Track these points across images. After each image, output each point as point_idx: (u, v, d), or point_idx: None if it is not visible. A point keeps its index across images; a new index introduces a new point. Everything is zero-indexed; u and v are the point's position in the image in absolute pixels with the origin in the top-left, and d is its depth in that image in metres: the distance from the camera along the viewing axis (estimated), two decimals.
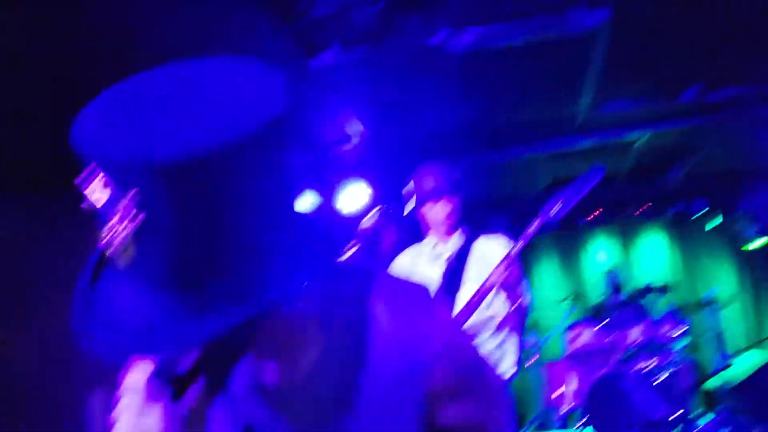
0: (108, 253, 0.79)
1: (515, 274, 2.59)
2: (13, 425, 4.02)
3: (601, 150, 5.57)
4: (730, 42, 3.76)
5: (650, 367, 5.45)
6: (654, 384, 5.11)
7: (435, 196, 2.91)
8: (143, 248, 0.75)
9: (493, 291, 2.62)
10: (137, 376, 0.84)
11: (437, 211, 2.94)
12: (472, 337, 2.54)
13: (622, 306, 6.26)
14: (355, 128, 4.49)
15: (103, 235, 0.78)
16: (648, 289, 6.17)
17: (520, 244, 2.54)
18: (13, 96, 3.56)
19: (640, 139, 5.37)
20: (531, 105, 4.52)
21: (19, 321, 4.14)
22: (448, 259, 2.96)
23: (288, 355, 0.99)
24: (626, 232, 7.97)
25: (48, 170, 4.20)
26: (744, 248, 7.37)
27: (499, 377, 1.30)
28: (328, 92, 3.86)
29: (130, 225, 0.74)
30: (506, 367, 2.86)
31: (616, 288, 6.55)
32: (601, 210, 7.57)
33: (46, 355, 4.14)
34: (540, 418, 6.47)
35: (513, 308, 2.73)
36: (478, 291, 2.58)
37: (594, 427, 5.13)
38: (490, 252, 2.82)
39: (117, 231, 0.75)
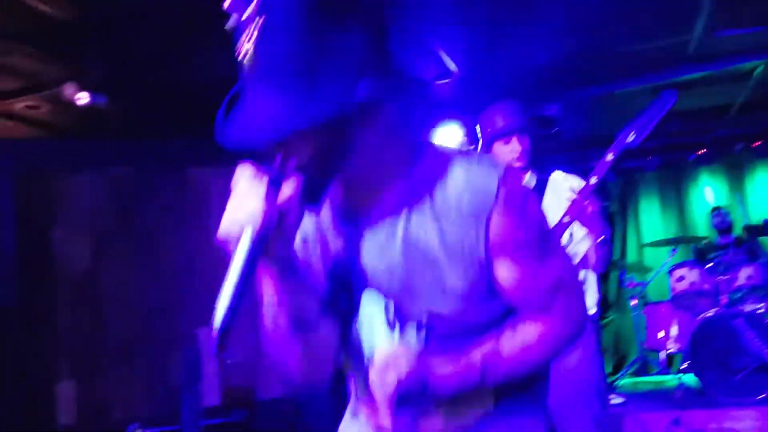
0: (241, 60, 1.01)
1: (592, 210, 2.51)
2: (134, 352, 4.34)
3: (715, 80, 5.34)
4: None
5: (761, 310, 5.31)
6: (764, 327, 4.92)
7: (504, 135, 2.81)
8: (266, 48, 0.99)
9: (570, 228, 2.55)
10: (249, 168, 1.04)
11: (506, 152, 2.83)
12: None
13: (732, 246, 6.12)
14: (450, 67, 4.47)
15: (239, 46, 1.01)
16: (762, 227, 6.00)
17: (596, 177, 2.44)
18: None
19: (758, 68, 5.07)
20: (640, 33, 4.32)
21: (137, 259, 4.43)
22: None
23: (366, 199, 1.19)
24: (737, 169, 7.64)
25: (160, 118, 4.44)
26: None
27: (570, 261, 1.32)
28: (424, 28, 3.84)
29: (255, 29, 0.98)
30: (588, 306, 2.83)
31: (724, 227, 6.43)
32: (708, 147, 7.35)
33: (164, 290, 4.43)
34: (641, 361, 6.45)
35: (592, 246, 2.66)
36: (555, 227, 2.53)
37: (697, 371, 5.07)
38: (566, 190, 2.68)
39: (247, 38, 0.99)
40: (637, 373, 6.56)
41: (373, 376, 1.14)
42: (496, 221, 1.12)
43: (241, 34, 1.00)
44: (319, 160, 1.07)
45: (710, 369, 5.00)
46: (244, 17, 0.98)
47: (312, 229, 1.27)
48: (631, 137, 2.29)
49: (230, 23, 1.02)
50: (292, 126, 0.99)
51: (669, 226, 7.71)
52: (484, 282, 1.16)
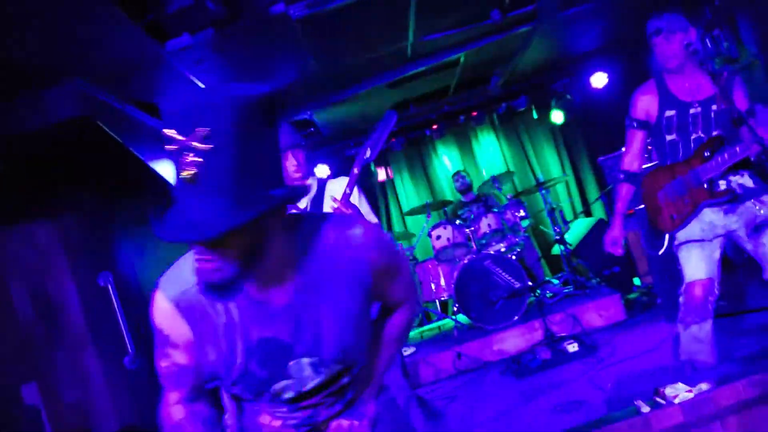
0: (179, 177, 1.24)
1: (355, 209, 2.97)
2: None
3: (431, 72, 6.23)
4: None
5: (502, 248, 6.30)
6: (509, 261, 5.88)
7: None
8: (206, 168, 1.21)
9: None
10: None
11: (286, 167, 3.08)
12: None
13: (473, 203, 7.12)
14: None
15: (181, 166, 1.23)
16: (490, 183, 6.92)
17: (348, 189, 2.89)
18: None
19: (461, 57, 6.04)
20: (367, 48, 5.03)
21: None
22: (305, 207, 3.20)
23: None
24: (464, 137, 8.74)
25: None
26: (553, 123, 8.46)
27: None
28: (191, 66, 4.16)
29: (197, 156, 1.20)
30: None
31: (465, 188, 7.38)
32: (438, 123, 8.31)
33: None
34: (421, 313, 7.20)
35: None
36: None
37: (465, 307, 5.83)
38: (338, 192, 3.09)
39: (187, 161, 1.21)
40: (420, 324, 7.36)
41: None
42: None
43: (180, 155, 1.22)
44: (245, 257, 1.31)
45: (475, 306, 5.80)
46: (182, 142, 1.20)
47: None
48: (368, 153, 2.84)
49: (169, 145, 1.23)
50: (226, 226, 1.21)
51: (422, 194, 8.63)
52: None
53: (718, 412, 2.02)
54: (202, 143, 1.20)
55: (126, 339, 3.91)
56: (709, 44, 5.53)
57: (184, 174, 1.22)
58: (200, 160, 1.21)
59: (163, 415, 1.57)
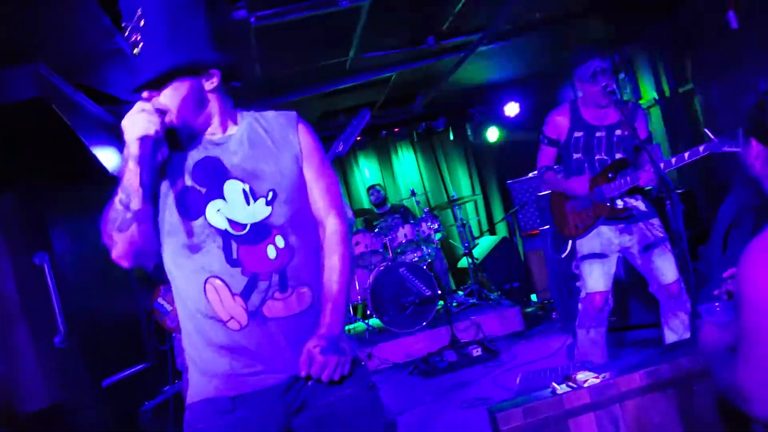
0: (131, 54, 1.59)
1: None
2: None
3: (363, 87, 6.58)
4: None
5: (416, 258, 6.65)
6: (422, 270, 6.21)
7: None
8: (144, 39, 1.57)
9: None
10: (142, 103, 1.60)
11: None
12: None
13: (389, 214, 7.47)
14: None
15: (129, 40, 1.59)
16: (410, 196, 7.33)
17: None
18: None
19: (392, 76, 6.44)
20: (312, 58, 5.34)
21: None
22: None
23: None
24: (384, 151, 9.13)
25: None
26: (487, 142, 8.99)
27: None
28: None
29: (137, 32, 1.56)
30: None
31: (380, 201, 7.76)
32: (361, 135, 8.62)
33: None
34: None
35: None
36: None
37: (378, 310, 6.11)
38: None
39: (132, 39, 1.57)
40: None
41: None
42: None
43: (128, 38, 1.57)
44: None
45: (387, 310, 6.07)
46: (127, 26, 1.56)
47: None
48: (340, 147, 3.17)
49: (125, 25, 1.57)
50: (160, 67, 1.55)
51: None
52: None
53: (619, 396, 2.45)
54: (138, 22, 1.56)
55: (58, 318, 3.96)
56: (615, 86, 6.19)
57: (134, 51, 1.57)
58: (138, 35, 1.56)
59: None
